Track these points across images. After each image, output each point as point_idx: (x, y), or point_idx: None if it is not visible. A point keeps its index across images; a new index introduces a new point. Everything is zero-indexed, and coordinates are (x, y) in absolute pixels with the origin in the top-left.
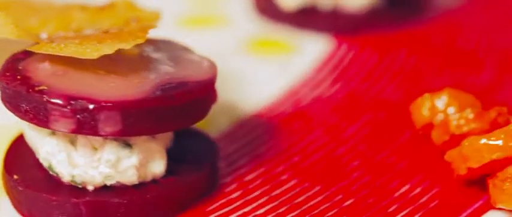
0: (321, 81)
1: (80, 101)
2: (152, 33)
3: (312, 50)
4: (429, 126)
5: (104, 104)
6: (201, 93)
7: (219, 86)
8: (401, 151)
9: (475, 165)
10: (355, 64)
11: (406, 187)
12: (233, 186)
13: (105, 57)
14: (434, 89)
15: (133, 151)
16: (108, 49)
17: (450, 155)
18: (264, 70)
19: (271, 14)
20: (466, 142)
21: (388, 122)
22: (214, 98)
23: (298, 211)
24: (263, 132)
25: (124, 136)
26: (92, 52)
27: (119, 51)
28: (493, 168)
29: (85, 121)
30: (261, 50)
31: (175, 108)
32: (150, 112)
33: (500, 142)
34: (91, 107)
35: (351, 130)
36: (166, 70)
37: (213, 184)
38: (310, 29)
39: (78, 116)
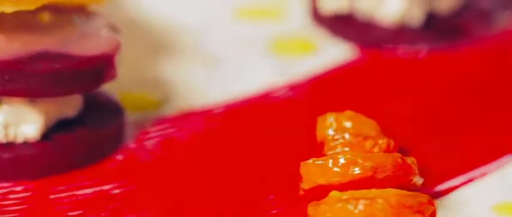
0: (304, 85)
1: None
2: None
3: (329, 55)
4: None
5: None
6: (73, 66)
7: (204, 74)
8: (292, 163)
9: (306, 187)
10: (353, 74)
11: (270, 197)
12: (117, 164)
13: (18, 19)
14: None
15: (1, 110)
16: None
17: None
18: (264, 67)
19: (314, 16)
20: (303, 163)
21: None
22: (108, 76)
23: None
24: (198, 123)
25: None
26: None
27: (39, 16)
28: (321, 193)
29: None
30: (283, 48)
31: (40, 76)
32: (11, 75)
33: (327, 167)
34: None
35: (273, 135)
36: (62, 40)
37: (97, 156)
38: (342, 36)
39: None
